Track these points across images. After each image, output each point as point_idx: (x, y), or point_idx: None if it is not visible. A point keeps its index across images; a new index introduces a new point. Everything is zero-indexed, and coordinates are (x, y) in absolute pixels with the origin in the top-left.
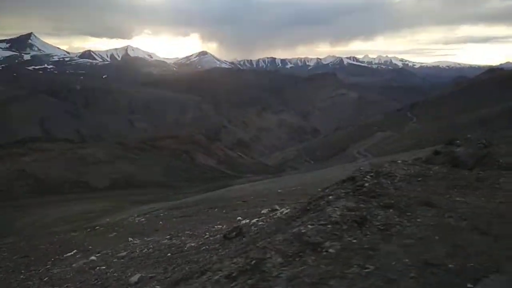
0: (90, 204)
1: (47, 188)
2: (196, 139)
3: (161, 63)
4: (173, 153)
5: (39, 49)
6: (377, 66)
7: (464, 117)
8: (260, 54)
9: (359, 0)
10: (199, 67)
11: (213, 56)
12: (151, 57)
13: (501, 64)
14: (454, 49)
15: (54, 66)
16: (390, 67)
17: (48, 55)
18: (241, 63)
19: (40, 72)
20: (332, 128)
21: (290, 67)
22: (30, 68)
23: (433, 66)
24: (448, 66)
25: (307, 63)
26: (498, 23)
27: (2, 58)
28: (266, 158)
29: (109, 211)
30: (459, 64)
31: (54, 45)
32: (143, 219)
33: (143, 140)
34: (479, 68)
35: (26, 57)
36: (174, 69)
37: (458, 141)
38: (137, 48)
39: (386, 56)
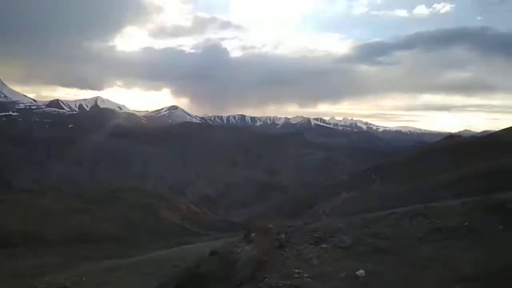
0: (36, 259)
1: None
2: (160, 193)
3: (131, 115)
4: (135, 207)
5: (5, 96)
6: (343, 128)
7: (426, 180)
8: (231, 110)
9: (327, 65)
10: (170, 120)
11: (184, 111)
12: (121, 109)
13: (459, 131)
14: (415, 115)
15: (19, 114)
16: (355, 130)
17: (14, 102)
18: (212, 118)
19: (4, 119)
20: (299, 186)
21: (260, 124)
22: None
23: (396, 130)
24: (410, 131)
25: (276, 122)
26: (456, 93)
27: None
28: (233, 214)
29: (52, 268)
30: (420, 129)
31: (22, 92)
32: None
33: (105, 191)
34: (439, 134)
35: None
36: (144, 121)
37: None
38: (107, 99)
39: (352, 118)
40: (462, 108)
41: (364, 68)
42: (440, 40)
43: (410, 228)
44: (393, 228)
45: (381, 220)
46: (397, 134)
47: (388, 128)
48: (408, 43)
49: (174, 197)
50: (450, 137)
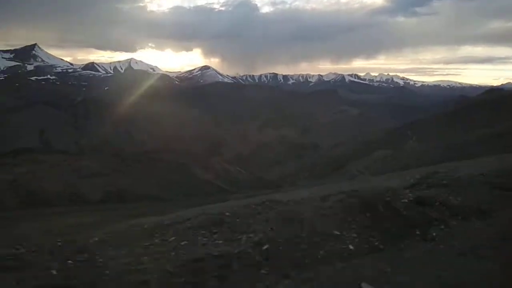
0: (78, 218)
1: (39, 200)
2: (194, 152)
3: (164, 77)
4: (169, 166)
5: (42, 60)
6: (379, 84)
7: (464, 137)
8: (262, 69)
9: (362, 18)
10: (202, 81)
11: (216, 71)
12: (154, 71)
13: (502, 85)
14: (455, 69)
15: (56, 77)
16: (391, 85)
17: (51, 66)
18: (243, 78)
19: (43, 82)
20: (333, 144)
21: (292, 83)
22: (33, 78)
23: (434, 85)
24: (449, 86)
25: (309, 80)
26: (498, 44)
27: (5, 68)
28: (266, 173)
29: (93, 226)
30: (460, 83)
31: (58, 56)
32: None
33: (140, 152)
34: (480, 87)
35: (29, 67)
36: (177, 82)
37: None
38: (140, 61)
39: (388, 74)
40: (505, 59)
41: (400, 20)
42: None
43: None
44: None
45: None
46: (436, 89)
47: (426, 83)
48: None
49: (208, 156)
50: (492, 90)
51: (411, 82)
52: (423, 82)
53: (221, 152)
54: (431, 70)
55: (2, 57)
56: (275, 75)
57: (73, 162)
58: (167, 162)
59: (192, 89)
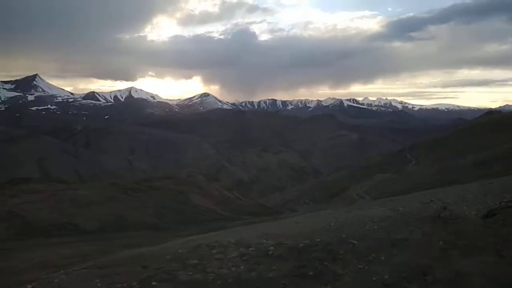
0: (73, 249)
1: (34, 230)
2: (193, 179)
3: (164, 104)
4: (168, 194)
5: (43, 90)
6: (377, 108)
7: (464, 159)
8: (261, 95)
9: (358, 44)
10: (201, 108)
11: (215, 98)
12: (154, 99)
13: (499, 107)
14: (453, 92)
15: (57, 107)
16: (389, 109)
17: (52, 96)
18: (243, 104)
19: (43, 112)
20: (333, 168)
21: (291, 108)
22: (33, 108)
23: (433, 108)
24: (447, 109)
25: (308, 105)
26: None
27: (6, 99)
28: (267, 199)
29: (88, 257)
30: (458, 106)
31: (59, 86)
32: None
33: (139, 180)
34: (478, 110)
35: (30, 97)
36: (177, 110)
37: None
38: (140, 89)
39: (386, 98)
40: (502, 82)
41: (397, 45)
42: (477, 12)
43: None
44: None
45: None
46: (434, 112)
47: (424, 107)
48: (443, 17)
49: (207, 183)
50: (490, 113)
51: (409, 106)
52: (421, 105)
53: (220, 179)
54: (429, 93)
55: (3, 88)
56: (274, 100)
57: (70, 191)
58: (165, 190)
59: (192, 116)
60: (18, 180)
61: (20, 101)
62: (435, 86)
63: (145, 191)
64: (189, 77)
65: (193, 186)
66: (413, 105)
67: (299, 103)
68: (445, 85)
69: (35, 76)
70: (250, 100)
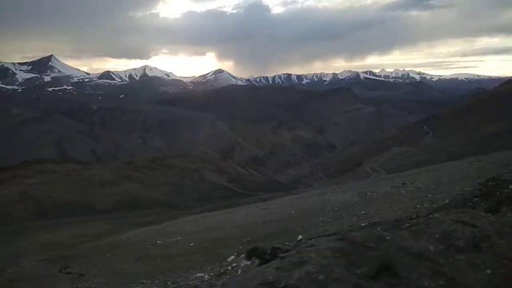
0: (88, 228)
1: (49, 211)
2: (207, 157)
3: (178, 82)
4: (182, 172)
5: (59, 71)
6: (394, 80)
7: (481, 130)
8: (276, 70)
9: (374, 14)
10: (216, 84)
11: (229, 74)
12: (169, 76)
13: None
14: (472, 61)
15: (73, 87)
16: (407, 81)
17: (68, 77)
18: (257, 79)
19: (59, 93)
20: (348, 143)
21: (306, 82)
22: (50, 89)
23: (452, 78)
24: (467, 78)
25: (323, 79)
26: None
27: (23, 80)
28: (281, 175)
29: (101, 236)
30: (478, 76)
31: (74, 66)
32: None
33: (153, 159)
34: (498, 79)
35: (46, 78)
36: (191, 87)
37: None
38: (154, 67)
39: (403, 69)
40: None
41: (414, 14)
42: None
43: None
44: None
45: None
46: (453, 83)
47: (443, 77)
48: None
49: (222, 160)
50: (510, 81)
51: (428, 77)
52: (440, 76)
53: (235, 155)
54: (448, 63)
55: (20, 70)
56: (289, 75)
57: (84, 171)
58: (179, 168)
59: (206, 93)
60: (32, 161)
61: (37, 82)
62: (454, 56)
63: (159, 169)
64: (202, 53)
65: (207, 163)
66: (431, 75)
67: (314, 76)
68: (464, 54)
69: (50, 57)
70: (265, 75)
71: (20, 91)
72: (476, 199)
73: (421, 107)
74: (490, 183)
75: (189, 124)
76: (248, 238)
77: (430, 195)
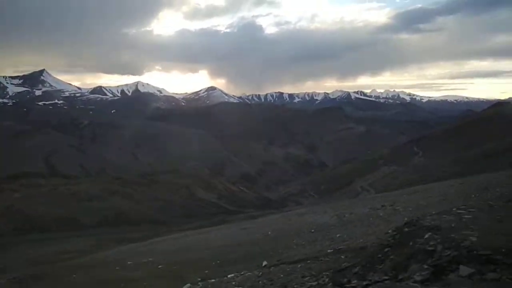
0: (73, 244)
1: (35, 225)
2: (197, 173)
3: (170, 98)
4: (172, 188)
5: (51, 85)
6: (385, 101)
7: (470, 151)
8: (268, 89)
9: (366, 36)
10: (208, 101)
11: (222, 91)
12: (161, 93)
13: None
14: (462, 83)
15: (64, 102)
16: (398, 101)
17: (59, 91)
18: (250, 97)
19: (50, 107)
20: (339, 161)
21: (298, 101)
22: (41, 103)
23: (441, 100)
24: (456, 100)
25: (315, 98)
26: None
27: (13, 94)
28: (272, 192)
29: (86, 251)
30: (467, 98)
31: (67, 81)
32: None
33: (143, 174)
34: (487, 101)
35: (38, 92)
36: (183, 104)
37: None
38: (147, 83)
39: (394, 90)
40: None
41: (405, 37)
42: (485, 3)
43: None
44: None
45: None
46: (443, 104)
47: (433, 98)
48: (451, 8)
49: (212, 177)
50: (498, 104)
51: (418, 98)
52: (429, 97)
53: (226, 172)
54: (437, 85)
55: (11, 83)
56: (281, 94)
57: (71, 186)
58: (168, 184)
59: (198, 110)
60: (19, 174)
61: (28, 96)
62: (443, 78)
63: (148, 185)
64: (195, 71)
65: (197, 179)
66: (421, 96)
67: (306, 96)
68: (454, 77)
69: (42, 71)
70: (257, 93)
71: (10, 105)
72: (386, 249)
73: (412, 128)
74: (406, 229)
75: (180, 140)
76: (218, 261)
77: (406, 219)
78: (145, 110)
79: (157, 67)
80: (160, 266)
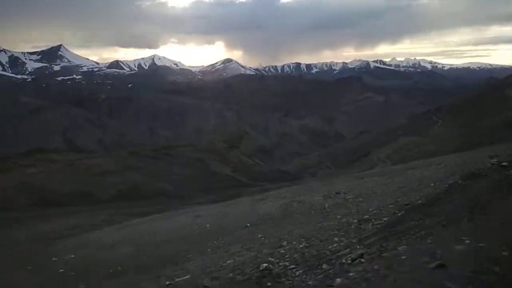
0: (83, 219)
1: (49, 200)
2: (213, 146)
3: (187, 71)
4: (187, 162)
5: (68, 61)
6: (405, 69)
7: (491, 120)
8: (285, 59)
9: (384, 3)
10: (224, 74)
11: (238, 63)
12: (177, 66)
13: None
14: (484, 50)
15: (82, 77)
16: (418, 70)
17: (77, 66)
18: (266, 69)
19: (68, 82)
20: (357, 132)
21: (316, 71)
22: (59, 78)
23: (463, 67)
24: (479, 67)
25: (333, 68)
26: None
27: (32, 70)
28: (288, 165)
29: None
30: (490, 65)
31: (84, 56)
32: None
33: (158, 148)
34: (511, 68)
35: (56, 68)
36: (199, 77)
37: None
38: (163, 57)
39: (415, 58)
40: None
41: (424, 2)
42: None
43: None
44: None
45: None
46: (465, 72)
47: (455, 66)
48: None
49: (228, 150)
50: None
51: (439, 66)
52: (451, 65)
53: (242, 145)
54: (460, 52)
55: (30, 59)
56: (298, 64)
57: (86, 161)
58: (184, 157)
59: (214, 82)
60: (34, 150)
61: (46, 72)
62: (465, 45)
63: (163, 159)
64: (211, 42)
65: (212, 153)
66: (443, 64)
67: (324, 66)
68: (476, 43)
69: (59, 46)
70: (274, 64)
71: (29, 81)
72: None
73: (433, 97)
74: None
75: (197, 114)
76: (119, 268)
77: (355, 211)
78: (162, 84)
79: (172, 39)
80: (71, 270)
